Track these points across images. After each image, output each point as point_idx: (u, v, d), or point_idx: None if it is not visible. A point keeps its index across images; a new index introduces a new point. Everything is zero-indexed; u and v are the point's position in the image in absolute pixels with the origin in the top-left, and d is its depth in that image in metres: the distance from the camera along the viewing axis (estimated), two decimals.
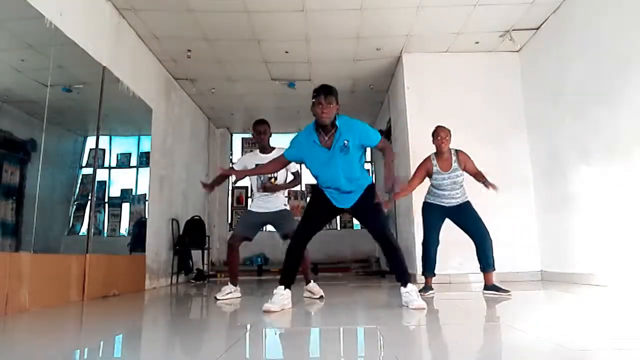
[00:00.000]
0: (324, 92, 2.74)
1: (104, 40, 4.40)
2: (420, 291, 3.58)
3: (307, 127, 2.93)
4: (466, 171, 3.72)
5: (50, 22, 3.47)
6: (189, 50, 5.58)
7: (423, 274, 3.83)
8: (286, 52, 5.73)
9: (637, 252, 3.61)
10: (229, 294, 3.73)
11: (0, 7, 3.08)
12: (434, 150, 3.78)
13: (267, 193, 3.80)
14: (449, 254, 5.05)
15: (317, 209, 3.02)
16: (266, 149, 3.86)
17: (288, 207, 3.93)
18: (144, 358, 1.82)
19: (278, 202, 3.85)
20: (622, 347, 1.64)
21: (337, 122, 2.79)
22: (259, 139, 3.88)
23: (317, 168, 2.90)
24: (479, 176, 3.67)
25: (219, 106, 7.81)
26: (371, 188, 2.94)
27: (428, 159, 3.78)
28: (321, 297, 3.62)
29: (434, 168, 3.74)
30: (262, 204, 3.83)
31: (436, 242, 3.78)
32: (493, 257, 3.61)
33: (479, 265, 3.66)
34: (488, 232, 3.62)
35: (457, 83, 5.61)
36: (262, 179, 3.78)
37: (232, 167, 4.00)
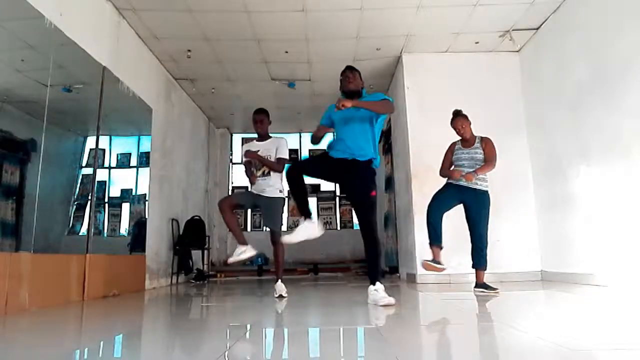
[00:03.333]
0: (349, 68, 3.31)
1: (104, 40, 4.40)
2: (427, 260, 3.69)
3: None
4: (484, 154, 3.74)
5: (50, 22, 3.47)
6: (189, 50, 5.58)
7: (430, 245, 3.73)
8: (286, 52, 5.73)
9: (637, 252, 3.62)
10: (242, 253, 3.77)
11: (0, 7, 3.08)
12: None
13: (263, 177, 3.94)
14: (448, 254, 5.06)
15: (321, 158, 3.29)
16: (263, 137, 4.10)
17: (284, 195, 4.04)
18: (144, 358, 1.82)
19: (275, 184, 3.95)
20: (622, 347, 1.64)
21: (363, 92, 3.28)
22: (256, 127, 4.09)
23: (340, 122, 3.21)
24: (485, 164, 3.71)
25: (219, 106, 7.81)
26: (369, 166, 3.13)
27: (453, 142, 3.92)
28: (280, 296, 3.72)
29: (456, 146, 3.86)
30: (258, 186, 3.95)
31: (439, 213, 3.71)
32: (486, 257, 3.71)
33: (471, 262, 3.75)
34: (487, 236, 3.73)
35: (457, 83, 5.61)
36: (256, 164, 3.99)
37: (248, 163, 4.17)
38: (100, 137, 4.39)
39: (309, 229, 3.05)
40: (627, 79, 3.74)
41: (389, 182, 7.35)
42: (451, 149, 3.89)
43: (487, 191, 3.75)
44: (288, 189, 3.25)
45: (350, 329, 2.32)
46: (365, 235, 3.06)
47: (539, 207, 5.26)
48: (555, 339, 1.78)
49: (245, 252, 3.77)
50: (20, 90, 3.44)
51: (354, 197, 3.19)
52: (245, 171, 4.13)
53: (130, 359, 1.85)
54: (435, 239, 3.68)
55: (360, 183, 3.08)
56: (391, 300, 2.90)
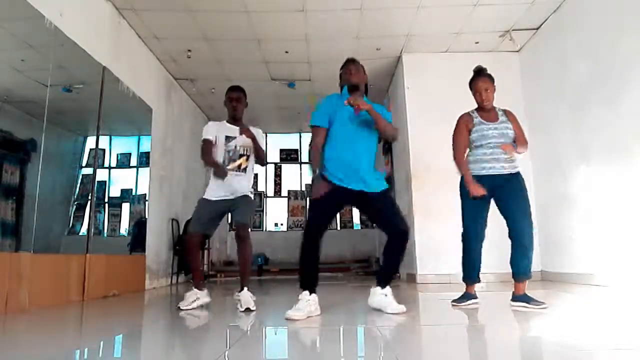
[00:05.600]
0: (351, 60, 2.93)
1: (104, 40, 4.40)
2: (455, 301, 2.96)
3: (336, 93, 2.90)
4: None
5: (50, 22, 3.47)
6: (189, 50, 5.59)
7: (463, 279, 3.01)
8: (286, 52, 5.73)
9: (637, 252, 3.62)
10: (195, 301, 3.12)
11: (0, 7, 3.08)
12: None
13: (238, 172, 3.17)
14: (448, 253, 5.05)
15: (327, 197, 2.67)
16: (237, 120, 3.31)
17: (252, 196, 3.28)
18: (144, 358, 1.82)
19: (248, 185, 3.24)
20: (622, 347, 1.64)
21: (365, 99, 2.81)
22: (231, 107, 3.29)
23: (341, 128, 2.71)
24: (519, 142, 2.92)
25: (219, 106, 7.72)
26: (388, 192, 2.79)
27: (465, 113, 3.01)
28: (247, 309, 2.90)
29: (475, 120, 2.93)
30: (227, 186, 3.13)
31: (480, 235, 2.89)
32: (530, 261, 2.78)
33: (511, 270, 2.83)
34: (531, 228, 2.79)
35: (457, 83, 5.57)
36: (230, 154, 3.18)
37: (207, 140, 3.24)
38: (100, 137, 4.39)
39: (312, 306, 2.58)
40: (627, 79, 3.74)
41: (389, 182, 7.35)
42: (466, 123, 2.93)
43: (519, 172, 2.94)
44: (301, 257, 2.67)
45: (350, 329, 2.32)
46: (400, 244, 2.70)
47: (539, 207, 5.25)
48: (555, 339, 1.78)
49: (199, 300, 3.13)
50: (20, 90, 3.44)
51: (394, 222, 2.73)
52: (206, 155, 3.18)
53: (130, 359, 1.85)
54: (471, 274, 2.94)
55: (392, 206, 2.77)
56: (403, 308, 2.62)
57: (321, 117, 2.75)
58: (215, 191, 3.15)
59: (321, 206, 2.70)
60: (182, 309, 3.05)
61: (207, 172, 3.04)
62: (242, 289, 3.04)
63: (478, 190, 2.79)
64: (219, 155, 3.19)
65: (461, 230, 2.99)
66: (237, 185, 3.16)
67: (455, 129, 2.99)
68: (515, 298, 2.81)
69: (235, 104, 3.28)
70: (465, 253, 2.95)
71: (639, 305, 2.89)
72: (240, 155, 3.19)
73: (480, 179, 2.84)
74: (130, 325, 2.67)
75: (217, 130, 3.24)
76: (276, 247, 8.73)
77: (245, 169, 3.21)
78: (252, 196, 3.26)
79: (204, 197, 3.20)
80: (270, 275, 7.92)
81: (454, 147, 2.96)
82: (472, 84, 3.05)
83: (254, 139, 3.19)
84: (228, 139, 3.20)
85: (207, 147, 3.19)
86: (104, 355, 1.89)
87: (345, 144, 2.69)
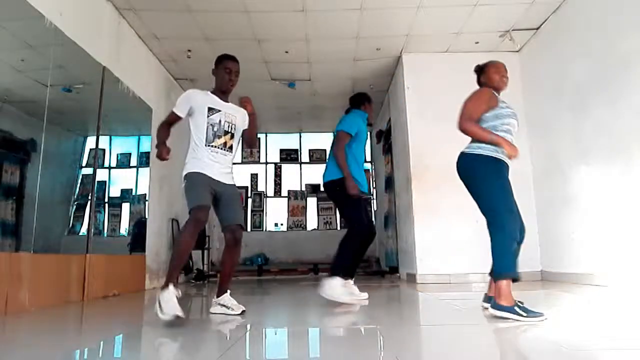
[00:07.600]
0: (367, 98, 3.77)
1: (104, 40, 4.40)
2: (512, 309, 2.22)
3: (359, 115, 3.64)
4: None
5: (50, 22, 3.47)
6: (189, 50, 5.59)
7: (512, 278, 2.35)
8: (286, 52, 5.73)
9: (637, 252, 3.62)
10: (171, 299, 2.47)
11: (0, 7, 3.08)
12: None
13: (224, 150, 2.78)
14: (448, 253, 5.05)
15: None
16: (226, 95, 3.02)
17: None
18: (144, 358, 1.82)
19: (232, 167, 2.90)
20: (622, 347, 1.64)
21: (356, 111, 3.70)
22: (227, 80, 2.98)
23: (361, 145, 3.60)
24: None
25: None
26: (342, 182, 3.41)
27: (489, 89, 2.57)
28: (243, 312, 2.69)
29: (498, 98, 2.53)
30: (215, 168, 2.73)
31: (518, 220, 2.48)
32: (504, 257, 2.38)
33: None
34: (501, 222, 2.44)
35: (457, 83, 5.58)
36: (215, 128, 2.77)
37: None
38: (100, 137, 4.39)
39: (353, 292, 3.34)
40: (627, 79, 3.74)
41: (389, 182, 7.34)
42: (494, 98, 2.48)
43: None
44: (356, 247, 3.58)
45: (350, 329, 2.32)
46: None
47: (539, 207, 5.26)
48: (555, 339, 1.78)
49: (175, 298, 2.49)
50: (20, 90, 3.44)
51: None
52: (162, 128, 2.89)
53: (130, 359, 1.85)
54: (516, 266, 2.39)
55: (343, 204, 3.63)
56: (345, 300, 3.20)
57: (353, 130, 3.59)
58: (206, 169, 2.69)
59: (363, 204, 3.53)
60: (166, 318, 2.34)
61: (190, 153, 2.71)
62: (225, 292, 2.75)
63: (517, 150, 2.32)
64: (201, 129, 2.75)
65: (483, 220, 2.52)
66: (225, 168, 2.77)
67: (477, 97, 2.49)
68: (489, 301, 2.47)
69: (233, 78, 2.94)
70: (511, 242, 2.40)
71: (638, 305, 2.89)
72: (226, 132, 2.78)
73: (507, 166, 2.48)
74: (130, 325, 2.67)
75: (198, 100, 2.82)
76: (276, 247, 8.73)
77: (231, 148, 2.82)
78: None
79: (194, 171, 2.70)
80: (270, 276, 7.91)
81: (464, 113, 2.43)
82: (494, 67, 2.63)
83: (253, 115, 2.85)
84: (211, 110, 2.78)
85: (169, 119, 2.85)
86: (104, 355, 1.89)
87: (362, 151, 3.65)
